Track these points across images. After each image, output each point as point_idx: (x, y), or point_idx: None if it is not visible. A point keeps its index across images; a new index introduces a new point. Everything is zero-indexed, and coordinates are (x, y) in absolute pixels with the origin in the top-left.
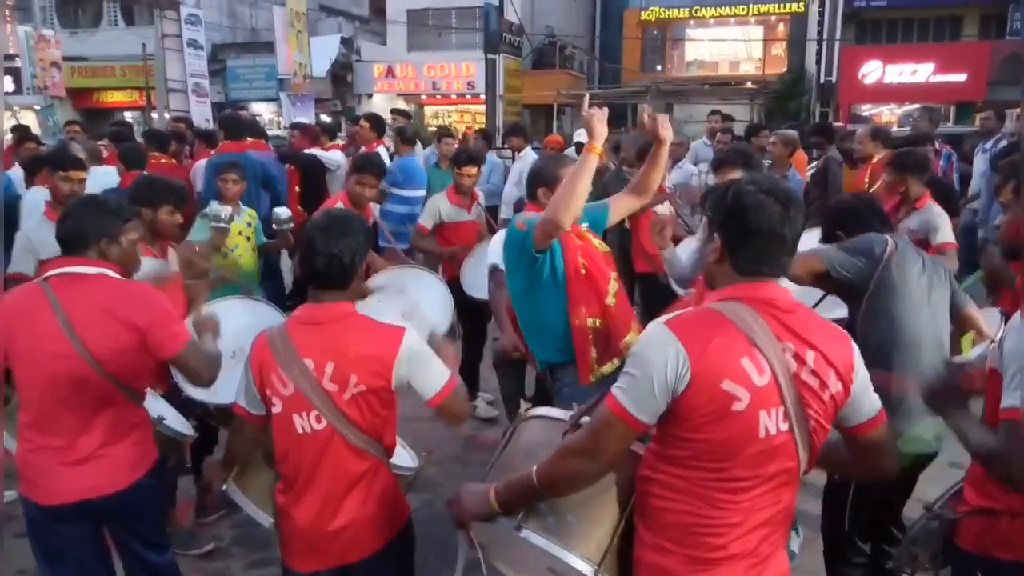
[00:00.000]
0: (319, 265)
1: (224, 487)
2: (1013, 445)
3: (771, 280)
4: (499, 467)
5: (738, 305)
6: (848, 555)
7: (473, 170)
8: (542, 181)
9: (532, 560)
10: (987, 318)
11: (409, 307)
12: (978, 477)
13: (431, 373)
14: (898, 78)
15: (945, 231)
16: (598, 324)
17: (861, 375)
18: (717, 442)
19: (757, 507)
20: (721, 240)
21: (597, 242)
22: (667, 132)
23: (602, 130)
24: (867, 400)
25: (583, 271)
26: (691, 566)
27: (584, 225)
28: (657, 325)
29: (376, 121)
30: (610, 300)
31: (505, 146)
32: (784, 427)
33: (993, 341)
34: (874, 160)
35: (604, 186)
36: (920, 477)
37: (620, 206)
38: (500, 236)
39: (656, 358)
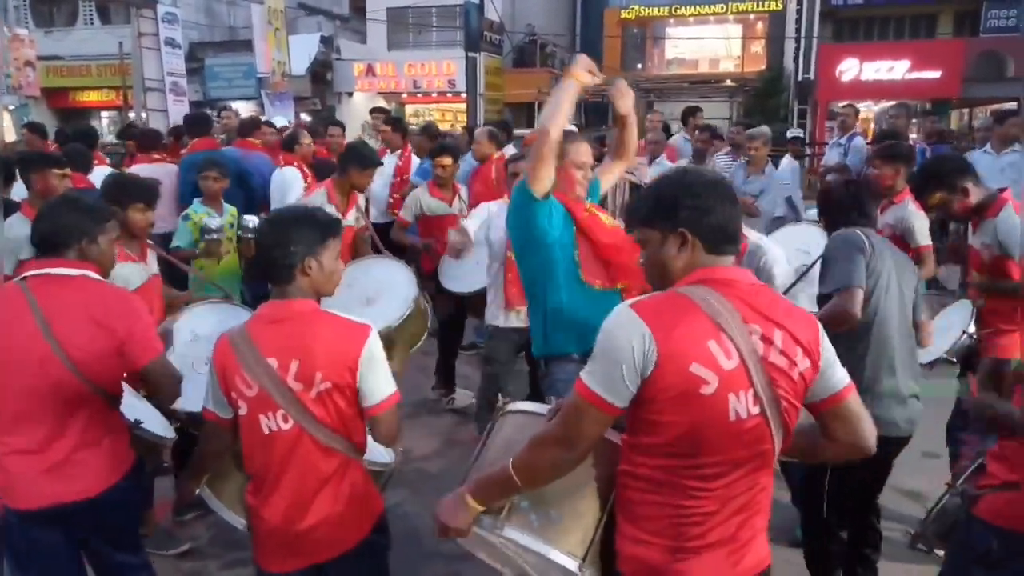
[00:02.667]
0: (260, 258)
1: (198, 491)
2: None
3: (730, 259)
4: (479, 465)
5: (703, 289)
6: (825, 541)
7: (448, 160)
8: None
9: (514, 553)
10: (960, 310)
11: (371, 293)
12: (1004, 452)
13: (380, 380)
14: (875, 75)
15: (923, 232)
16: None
17: (827, 349)
18: (686, 426)
19: (733, 493)
20: (689, 232)
21: (604, 217)
22: (624, 102)
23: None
24: (835, 373)
25: (595, 241)
26: (672, 556)
27: (588, 202)
28: (623, 308)
29: (399, 123)
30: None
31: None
32: (755, 410)
33: (966, 332)
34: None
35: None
36: (897, 466)
37: (607, 174)
38: (482, 208)
39: (623, 341)
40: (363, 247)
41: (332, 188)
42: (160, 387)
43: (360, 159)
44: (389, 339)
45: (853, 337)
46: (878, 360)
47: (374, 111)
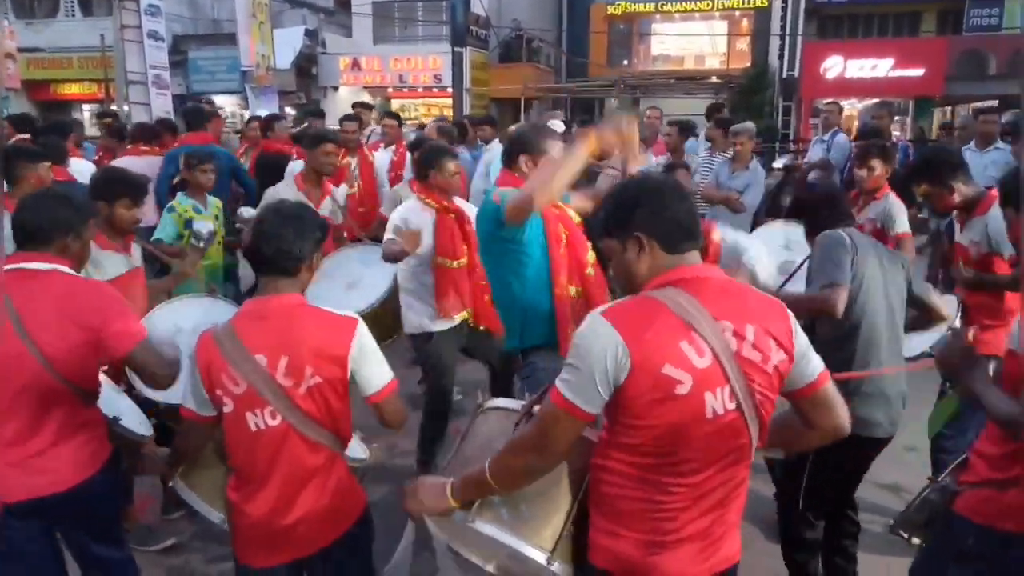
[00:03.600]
0: (268, 251)
1: (171, 484)
2: None
3: (695, 255)
4: (458, 460)
5: (673, 290)
6: (801, 532)
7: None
8: (525, 148)
9: (490, 545)
10: (947, 305)
11: (353, 278)
12: (986, 450)
13: (376, 369)
14: (859, 73)
15: (902, 221)
16: (578, 293)
17: (800, 339)
18: (665, 426)
19: (708, 488)
20: (644, 235)
21: (571, 211)
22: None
23: (629, 141)
24: (810, 361)
25: (563, 239)
26: (645, 549)
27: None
28: (595, 316)
29: (398, 117)
30: (589, 270)
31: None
32: (731, 405)
33: (951, 328)
34: None
35: None
36: (875, 459)
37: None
38: (400, 210)
39: (596, 350)
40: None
41: (299, 176)
42: (149, 372)
43: (310, 139)
44: (375, 316)
45: (840, 340)
46: (864, 362)
47: (356, 106)
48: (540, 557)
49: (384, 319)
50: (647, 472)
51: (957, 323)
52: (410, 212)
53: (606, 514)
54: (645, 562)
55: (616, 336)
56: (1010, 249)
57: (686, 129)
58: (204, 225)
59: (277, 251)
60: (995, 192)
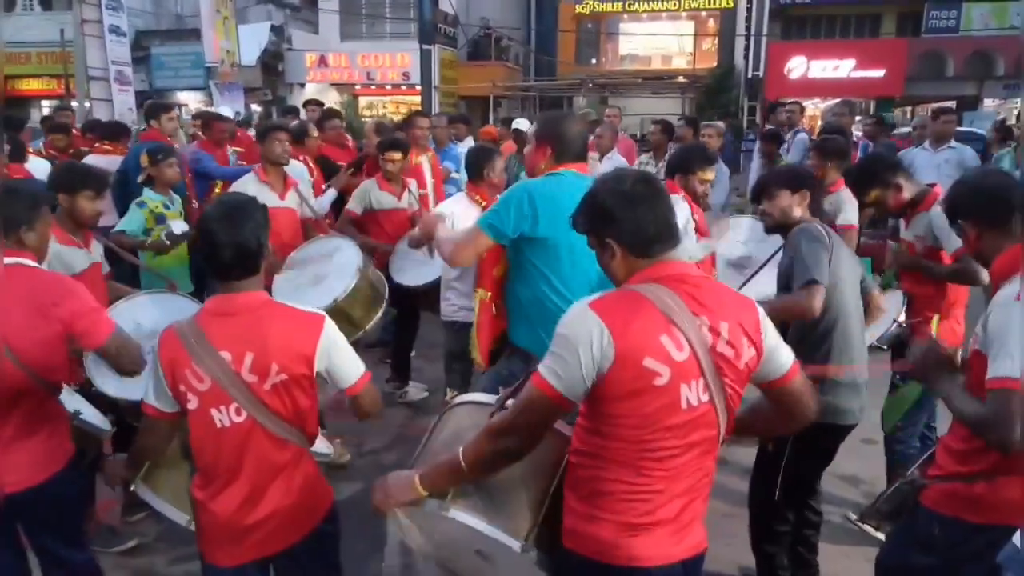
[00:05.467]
0: (226, 257)
1: (132, 487)
2: (1005, 412)
3: (674, 254)
4: (427, 454)
5: (655, 286)
6: (774, 524)
7: (397, 155)
8: (486, 160)
9: (461, 542)
10: (891, 300)
11: (320, 271)
12: (953, 446)
13: (349, 363)
14: (821, 73)
15: (848, 213)
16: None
17: (770, 334)
18: (642, 416)
19: (681, 475)
20: (614, 241)
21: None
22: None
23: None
24: (781, 355)
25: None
26: (620, 532)
27: None
28: (580, 305)
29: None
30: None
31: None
32: (705, 397)
33: (897, 321)
34: None
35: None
36: (840, 453)
37: None
38: (449, 203)
39: (581, 337)
40: (311, 231)
41: (260, 170)
42: (122, 361)
43: (261, 131)
44: (341, 311)
45: (821, 336)
46: (841, 354)
47: (308, 103)
48: (515, 544)
49: (352, 310)
50: (624, 455)
51: (902, 317)
52: (458, 206)
53: (584, 497)
54: (621, 544)
55: (601, 324)
56: (954, 245)
57: (670, 129)
58: (178, 225)
59: (236, 256)
60: (939, 189)
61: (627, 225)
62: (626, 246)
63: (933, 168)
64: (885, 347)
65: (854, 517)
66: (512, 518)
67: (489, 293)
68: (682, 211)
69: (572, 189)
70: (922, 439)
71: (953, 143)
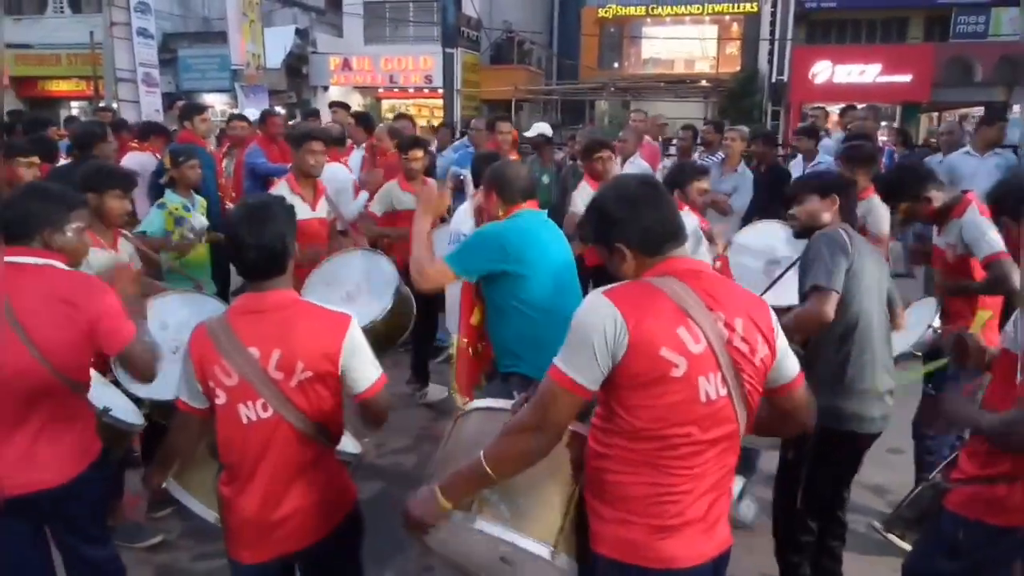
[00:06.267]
0: (252, 258)
1: (164, 484)
2: None
3: (682, 251)
4: (442, 462)
5: (670, 279)
6: (798, 533)
7: (419, 154)
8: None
9: (485, 551)
10: (925, 307)
11: (352, 288)
12: (976, 450)
13: (367, 367)
14: (847, 78)
15: (881, 224)
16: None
17: (781, 338)
18: (662, 408)
19: (707, 472)
20: (623, 245)
21: None
22: None
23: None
24: (789, 362)
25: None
26: (653, 535)
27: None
28: (595, 294)
29: (361, 118)
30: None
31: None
32: (723, 391)
33: (931, 327)
34: None
35: (562, 180)
36: (865, 463)
37: None
38: (464, 207)
39: (596, 324)
40: (336, 240)
41: (292, 179)
42: (139, 367)
43: (295, 138)
44: (376, 332)
45: (838, 341)
46: (860, 360)
47: (332, 106)
48: (544, 551)
49: (386, 332)
50: (649, 456)
51: (937, 323)
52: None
53: (611, 502)
54: (654, 546)
55: (616, 312)
56: (984, 252)
57: (697, 133)
58: (198, 219)
59: (262, 257)
60: (971, 196)
61: (634, 225)
62: (636, 247)
63: (984, 173)
64: (920, 354)
65: (879, 527)
66: (539, 523)
67: (466, 339)
68: (690, 221)
69: (535, 223)
70: (952, 450)
71: (998, 148)
